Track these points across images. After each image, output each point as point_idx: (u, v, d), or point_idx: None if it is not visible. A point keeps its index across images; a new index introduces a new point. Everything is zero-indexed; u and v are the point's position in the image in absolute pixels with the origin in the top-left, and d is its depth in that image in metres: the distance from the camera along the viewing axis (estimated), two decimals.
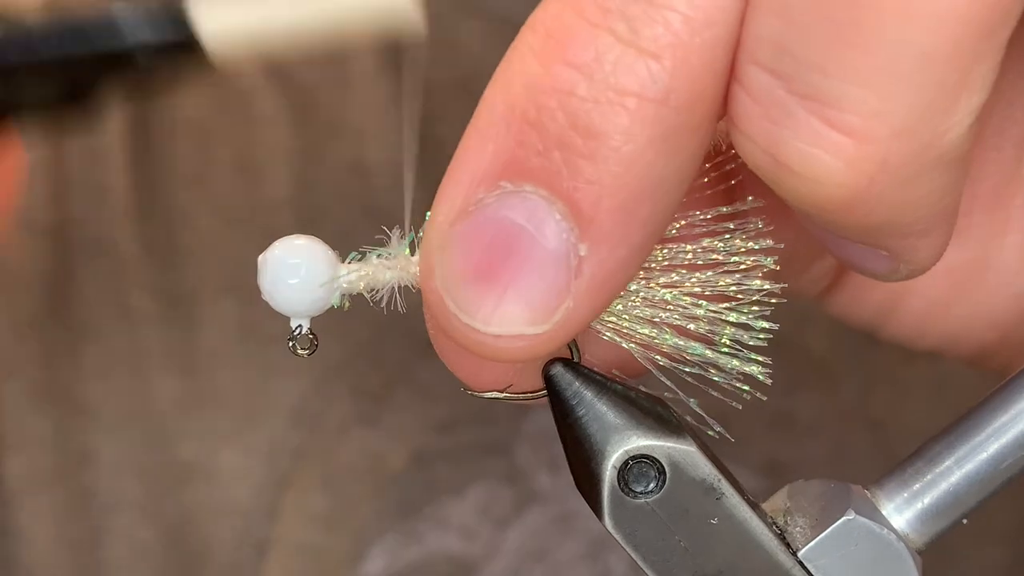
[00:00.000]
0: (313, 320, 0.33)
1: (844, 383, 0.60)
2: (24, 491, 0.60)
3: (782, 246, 0.32)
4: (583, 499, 0.32)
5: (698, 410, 0.32)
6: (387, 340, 0.61)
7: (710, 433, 0.33)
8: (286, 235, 0.32)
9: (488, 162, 0.29)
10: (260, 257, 0.32)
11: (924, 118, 0.28)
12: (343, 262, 0.32)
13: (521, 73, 0.29)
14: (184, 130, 0.64)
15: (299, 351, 0.33)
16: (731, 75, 0.29)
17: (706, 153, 0.30)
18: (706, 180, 0.33)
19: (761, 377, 0.32)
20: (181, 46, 0.32)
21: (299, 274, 0.31)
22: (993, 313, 0.40)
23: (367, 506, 0.60)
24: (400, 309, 0.32)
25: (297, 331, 0.32)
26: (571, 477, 0.33)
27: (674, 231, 0.33)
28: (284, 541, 0.60)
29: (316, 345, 0.33)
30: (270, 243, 0.32)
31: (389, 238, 0.32)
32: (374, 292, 0.32)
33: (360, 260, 0.32)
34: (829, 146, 0.28)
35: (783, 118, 0.28)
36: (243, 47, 0.30)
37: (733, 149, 0.30)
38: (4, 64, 0.34)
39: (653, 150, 0.29)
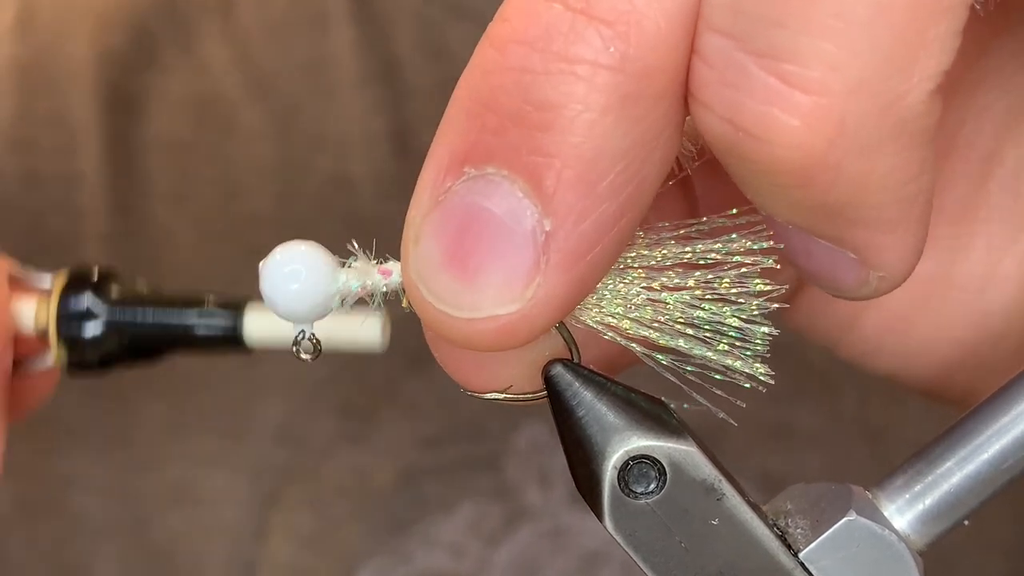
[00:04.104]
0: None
1: (843, 393, 0.60)
2: (12, 519, 0.60)
3: (782, 246, 0.32)
4: (576, 510, 0.32)
5: (700, 399, 0.32)
6: (372, 356, 0.60)
7: (718, 414, 0.33)
8: (269, 251, 0.33)
9: (452, 151, 0.29)
10: (261, 263, 0.32)
11: (880, 74, 0.28)
12: (343, 267, 0.32)
13: (479, 62, 0.30)
14: (164, 147, 0.64)
15: (302, 356, 0.33)
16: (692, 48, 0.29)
17: (679, 133, 0.30)
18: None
19: (764, 378, 0.32)
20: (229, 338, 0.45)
21: (300, 279, 0.32)
22: (956, 330, 0.39)
23: (355, 525, 0.59)
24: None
25: (300, 336, 0.32)
26: (561, 492, 0.33)
27: (670, 236, 0.33)
28: (272, 562, 0.59)
29: (319, 350, 0.33)
30: (252, 260, 0.32)
31: (374, 250, 0.33)
32: (374, 297, 0.32)
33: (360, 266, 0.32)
34: (786, 105, 0.28)
35: (739, 80, 0.28)
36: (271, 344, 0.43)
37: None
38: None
39: (611, 118, 0.28)
